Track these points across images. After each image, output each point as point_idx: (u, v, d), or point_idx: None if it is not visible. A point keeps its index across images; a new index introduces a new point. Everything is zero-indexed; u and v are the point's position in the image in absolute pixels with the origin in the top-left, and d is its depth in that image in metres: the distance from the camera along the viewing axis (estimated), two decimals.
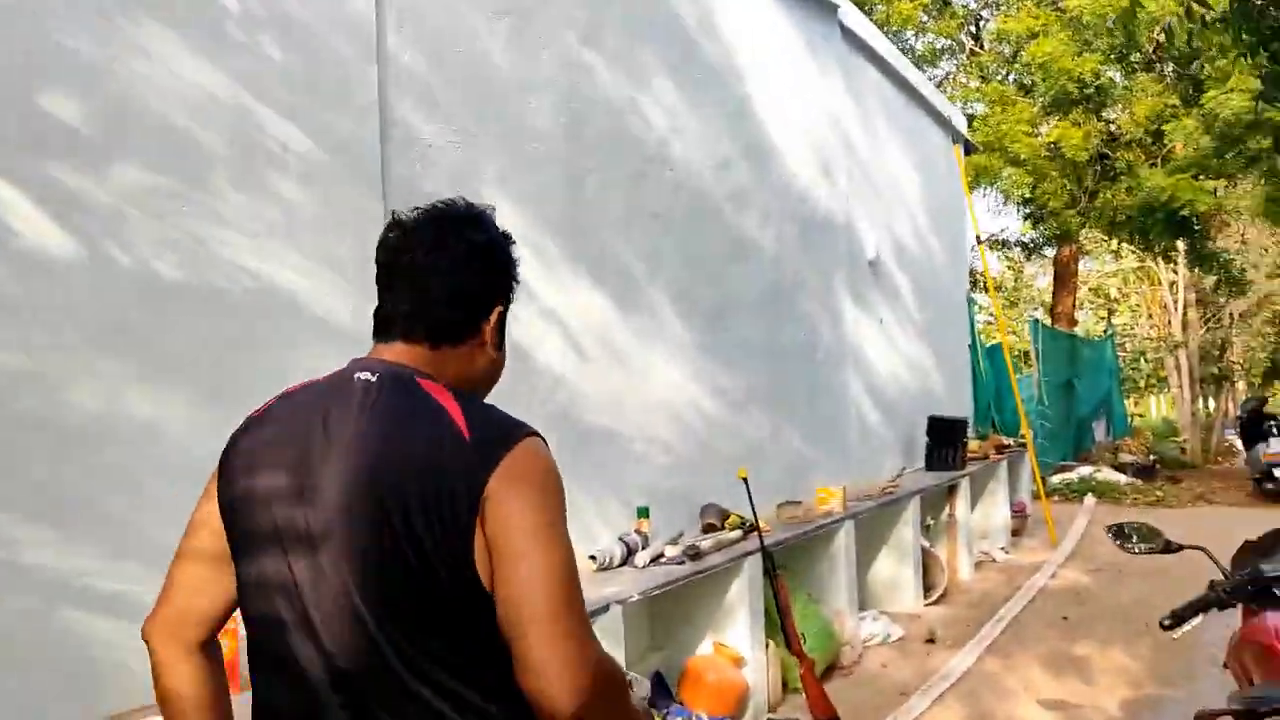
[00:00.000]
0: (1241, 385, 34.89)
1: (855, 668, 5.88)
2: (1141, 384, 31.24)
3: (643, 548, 4.74)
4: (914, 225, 9.21)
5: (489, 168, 4.27)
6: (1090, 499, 12.22)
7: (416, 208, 1.57)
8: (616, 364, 5.07)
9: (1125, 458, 14.28)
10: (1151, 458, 14.84)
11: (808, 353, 7.04)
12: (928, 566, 7.51)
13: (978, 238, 10.28)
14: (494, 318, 1.58)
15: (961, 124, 10.40)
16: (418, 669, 1.37)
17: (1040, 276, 30.03)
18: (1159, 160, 13.19)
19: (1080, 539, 9.94)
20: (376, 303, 1.56)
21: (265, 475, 1.45)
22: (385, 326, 1.54)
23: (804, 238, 7.07)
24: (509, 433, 1.44)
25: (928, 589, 7.45)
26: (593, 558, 4.50)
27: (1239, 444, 25.28)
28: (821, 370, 7.23)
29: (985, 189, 13.86)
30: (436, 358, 1.52)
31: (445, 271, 1.51)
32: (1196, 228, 13.33)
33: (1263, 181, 12.57)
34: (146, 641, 1.52)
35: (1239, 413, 14.37)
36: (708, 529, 5.32)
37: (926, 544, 7.71)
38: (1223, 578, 2.97)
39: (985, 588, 7.96)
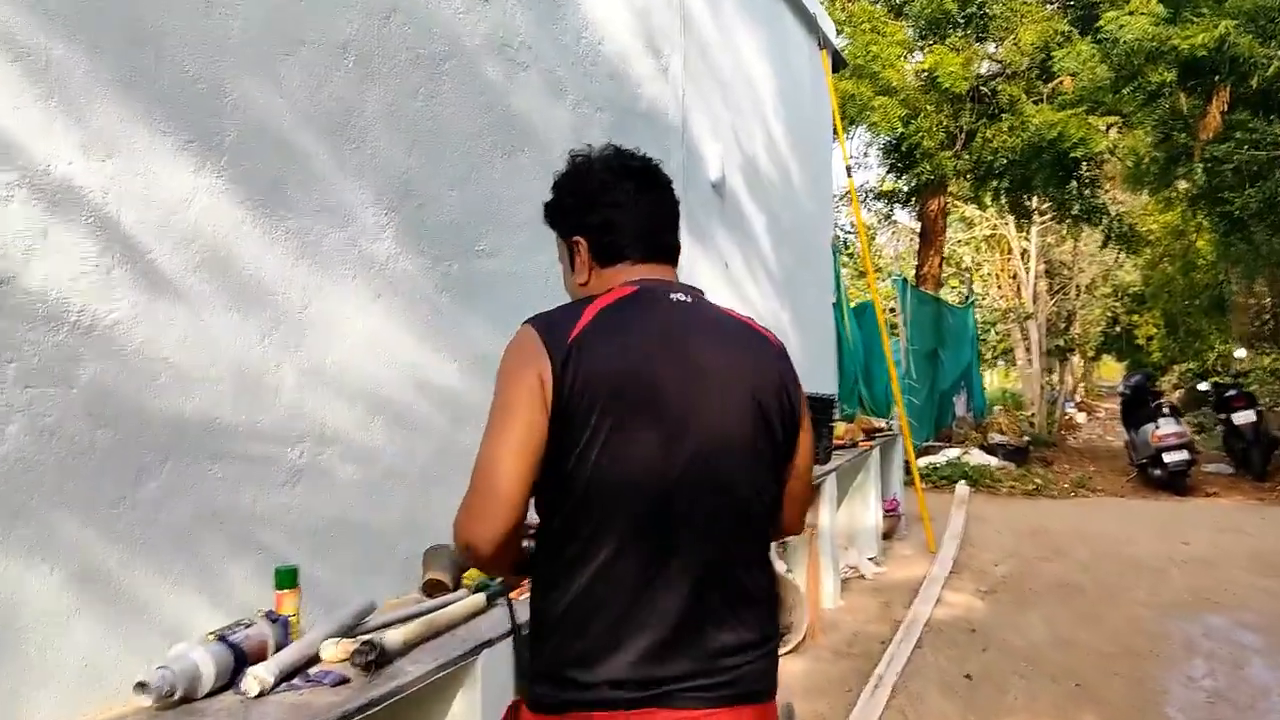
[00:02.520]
0: (1077, 359, 34.87)
1: None
2: (988, 356, 30.60)
3: (275, 649, 2.53)
4: (771, 143, 7.14)
5: None
6: (963, 487, 10.51)
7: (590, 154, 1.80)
8: (246, 304, 2.76)
9: (995, 438, 12.71)
10: (1025, 439, 13.34)
11: None
12: (782, 600, 5.48)
13: (848, 168, 8.30)
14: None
15: (830, 27, 8.37)
16: (759, 562, 1.75)
17: (892, 244, 28.86)
18: (1044, 97, 11.52)
19: (962, 543, 8.14)
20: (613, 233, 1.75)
21: (631, 375, 1.60)
22: (646, 251, 1.76)
23: (619, 134, 4.86)
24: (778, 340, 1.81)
25: (781, 634, 5.42)
26: (141, 685, 2.21)
27: (1080, 418, 24.76)
28: None
29: (850, 130, 11.98)
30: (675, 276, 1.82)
31: (672, 205, 1.82)
32: (1084, 172, 11.72)
33: (1150, 128, 11.02)
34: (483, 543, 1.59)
35: (1121, 388, 12.97)
36: (432, 589, 3.12)
37: (783, 567, 5.69)
38: None
39: (856, 622, 6.00)
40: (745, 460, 1.67)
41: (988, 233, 25.77)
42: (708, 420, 1.63)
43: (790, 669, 5.12)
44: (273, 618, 2.62)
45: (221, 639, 2.47)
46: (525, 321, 1.68)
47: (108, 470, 2.36)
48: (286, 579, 2.67)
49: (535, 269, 4.08)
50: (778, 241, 7.16)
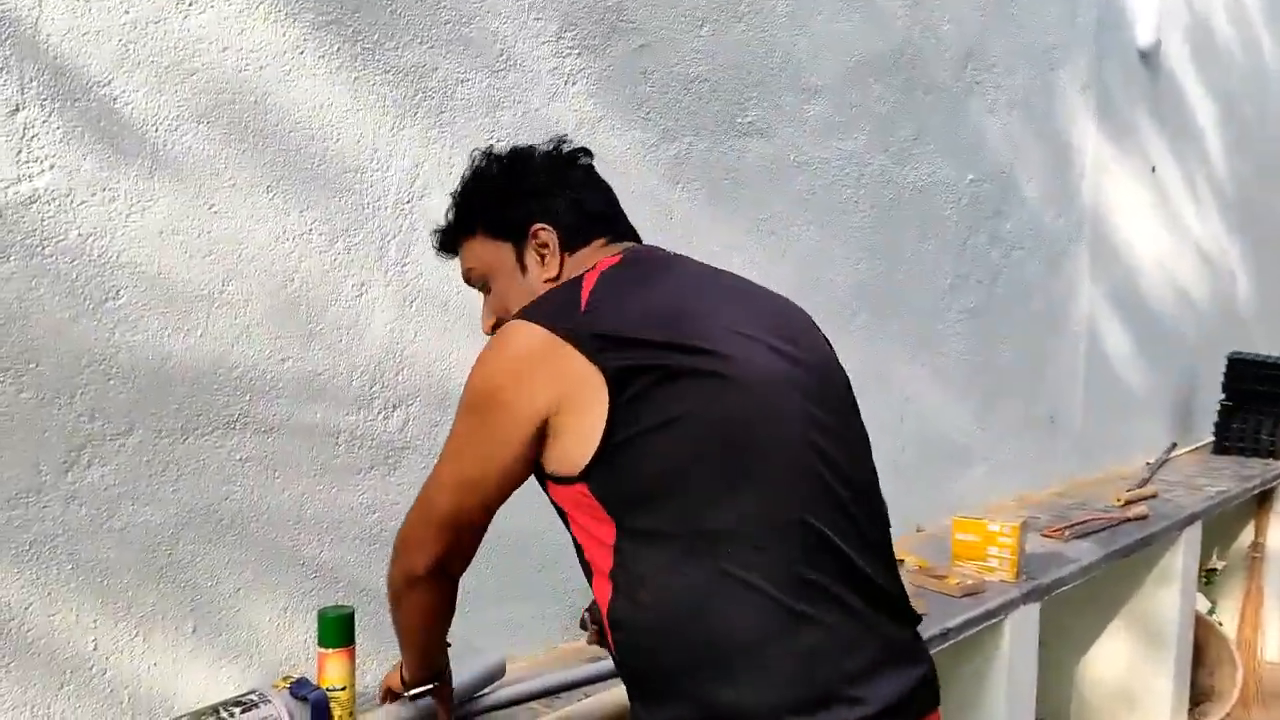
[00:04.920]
0: None
1: None
2: None
3: None
4: (1235, 2, 5.15)
5: None
6: None
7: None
8: (301, 183, 1.74)
9: None
10: None
11: (979, 214, 3.40)
12: (1203, 652, 3.83)
13: None
14: None
15: None
16: None
17: None
18: None
19: None
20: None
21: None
22: (619, 228, 1.48)
23: None
24: None
25: (1198, 701, 3.79)
26: None
27: None
28: (1014, 256, 3.57)
29: None
30: None
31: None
32: None
33: None
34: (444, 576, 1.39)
35: None
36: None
37: (1205, 605, 4.01)
38: None
39: None
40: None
41: None
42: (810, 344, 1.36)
43: None
44: (301, 692, 1.62)
45: None
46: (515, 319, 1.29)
47: (16, 448, 1.44)
48: (333, 631, 1.66)
49: (837, 157, 2.75)
50: (1233, 144, 5.20)
